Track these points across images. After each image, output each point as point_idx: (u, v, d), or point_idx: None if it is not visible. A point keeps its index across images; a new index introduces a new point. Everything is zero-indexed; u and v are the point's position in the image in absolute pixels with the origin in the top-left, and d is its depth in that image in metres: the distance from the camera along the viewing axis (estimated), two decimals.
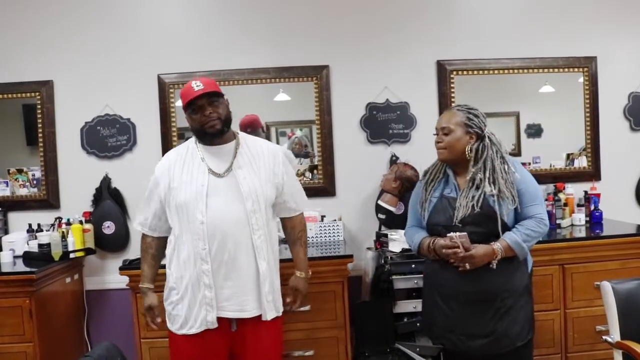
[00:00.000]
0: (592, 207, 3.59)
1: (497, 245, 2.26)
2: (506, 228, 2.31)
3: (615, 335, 2.29)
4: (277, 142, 3.73)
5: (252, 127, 3.48)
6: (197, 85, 2.17)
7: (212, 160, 2.24)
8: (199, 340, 2.22)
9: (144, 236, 2.42)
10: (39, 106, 3.59)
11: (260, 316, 2.24)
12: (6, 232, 3.58)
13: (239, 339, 2.25)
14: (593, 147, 3.76)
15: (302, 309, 2.88)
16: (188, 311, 2.22)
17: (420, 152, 3.58)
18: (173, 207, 2.23)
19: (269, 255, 2.27)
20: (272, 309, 2.27)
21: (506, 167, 2.34)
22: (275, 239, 2.39)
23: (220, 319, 2.20)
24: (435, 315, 2.45)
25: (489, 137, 2.37)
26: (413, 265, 3.05)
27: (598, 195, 3.63)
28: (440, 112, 3.65)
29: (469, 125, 2.36)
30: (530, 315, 2.40)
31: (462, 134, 2.36)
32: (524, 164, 3.70)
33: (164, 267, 2.38)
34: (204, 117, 2.19)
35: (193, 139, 2.33)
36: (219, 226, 2.16)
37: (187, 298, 2.21)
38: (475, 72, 3.68)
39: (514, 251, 2.28)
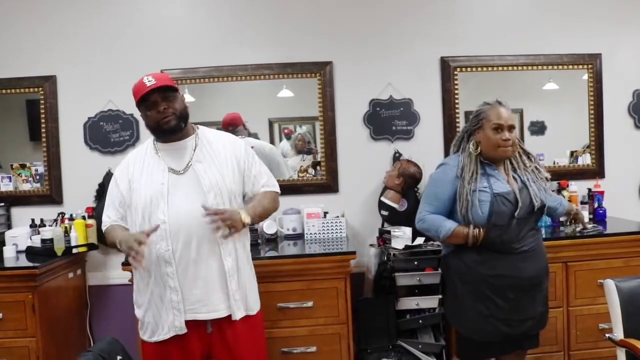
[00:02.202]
0: (596, 205, 3.57)
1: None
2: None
3: (618, 333, 2.30)
4: (280, 139, 3.73)
5: (233, 125, 3.49)
6: (149, 81, 2.07)
7: (171, 157, 2.16)
8: (172, 346, 2.13)
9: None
10: (42, 101, 3.59)
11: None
12: (9, 227, 3.58)
13: (216, 340, 2.16)
14: (597, 144, 3.75)
15: (304, 305, 2.89)
16: (157, 317, 2.13)
17: (424, 148, 3.59)
18: (134, 209, 2.14)
19: (237, 251, 2.17)
20: (241, 308, 2.16)
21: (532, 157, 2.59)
22: (246, 234, 2.28)
23: (193, 322, 2.11)
24: (484, 309, 2.45)
25: None
26: (415, 263, 3.05)
27: (602, 192, 3.61)
28: (444, 109, 3.65)
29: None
30: None
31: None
32: None
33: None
34: (158, 114, 2.09)
35: (152, 138, 2.25)
36: (182, 224, 2.07)
37: (154, 304, 2.13)
38: (479, 68, 3.67)
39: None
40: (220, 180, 2.13)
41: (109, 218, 2.25)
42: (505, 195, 2.40)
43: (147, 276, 2.13)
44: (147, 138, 3.53)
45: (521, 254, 2.43)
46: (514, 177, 2.48)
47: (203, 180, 2.11)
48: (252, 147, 2.60)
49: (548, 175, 2.56)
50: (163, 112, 2.08)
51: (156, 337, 2.14)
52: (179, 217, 2.07)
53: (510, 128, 2.44)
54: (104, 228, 2.25)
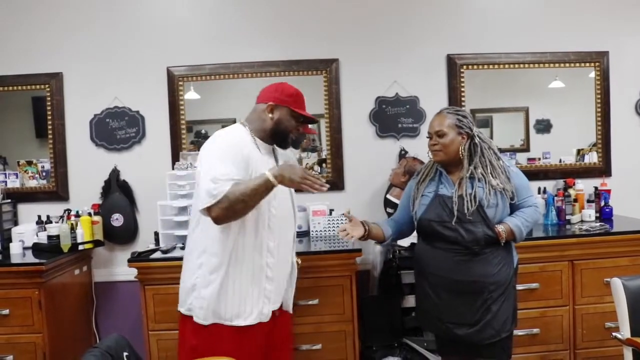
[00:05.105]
0: (603, 203, 3.57)
1: (501, 228, 2.37)
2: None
3: (625, 332, 2.30)
4: None
5: None
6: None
7: (265, 157, 2.26)
8: (248, 332, 2.17)
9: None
10: (48, 98, 3.60)
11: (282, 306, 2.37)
12: (16, 223, 3.60)
13: (275, 329, 2.30)
14: (604, 142, 3.74)
15: (310, 302, 2.90)
16: (242, 303, 2.16)
17: None
18: None
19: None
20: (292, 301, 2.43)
21: (501, 162, 2.46)
22: None
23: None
24: (424, 302, 2.53)
25: (478, 135, 2.47)
26: None
27: (608, 191, 3.61)
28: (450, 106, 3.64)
29: (460, 126, 2.44)
30: (514, 307, 2.48)
31: (454, 135, 2.44)
32: (532, 159, 3.72)
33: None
34: (299, 131, 2.31)
35: (246, 133, 2.23)
36: (283, 220, 2.25)
37: (245, 290, 2.16)
38: (485, 66, 3.66)
39: (514, 235, 2.40)
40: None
41: (226, 175, 2.04)
42: (445, 199, 2.43)
43: (250, 264, 2.17)
44: (153, 135, 3.62)
45: (459, 255, 2.39)
46: (472, 179, 2.41)
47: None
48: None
49: (498, 185, 2.38)
50: (302, 134, 2.35)
51: (241, 321, 2.16)
52: (283, 213, 2.26)
53: (438, 134, 2.43)
54: (225, 187, 2.01)
